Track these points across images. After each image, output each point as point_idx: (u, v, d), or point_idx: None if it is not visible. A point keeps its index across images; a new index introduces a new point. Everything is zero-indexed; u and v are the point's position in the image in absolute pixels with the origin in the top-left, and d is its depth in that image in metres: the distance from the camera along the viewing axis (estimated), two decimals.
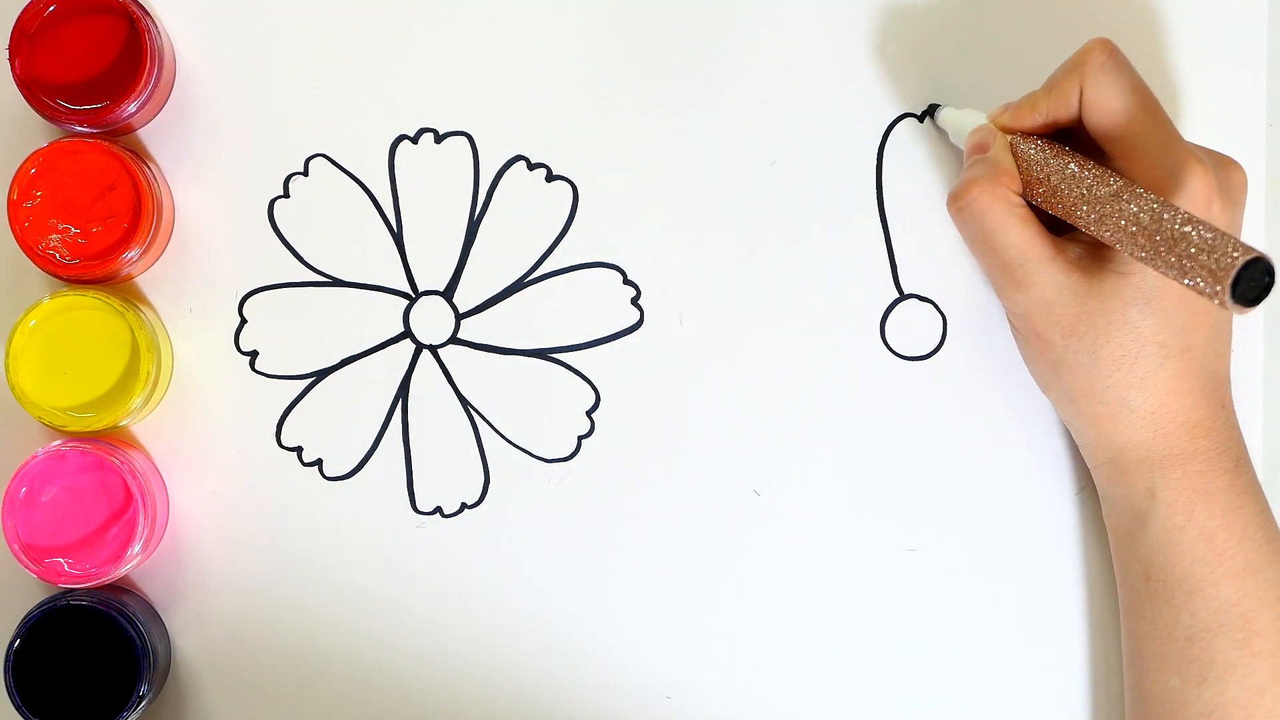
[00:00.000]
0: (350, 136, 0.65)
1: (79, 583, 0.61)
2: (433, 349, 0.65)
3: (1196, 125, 0.66)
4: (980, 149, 0.61)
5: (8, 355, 0.61)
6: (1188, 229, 0.51)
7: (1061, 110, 0.59)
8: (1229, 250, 0.50)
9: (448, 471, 0.65)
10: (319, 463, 0.65)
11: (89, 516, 0.61)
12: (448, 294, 0.65)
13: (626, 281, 0.65)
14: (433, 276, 0.65)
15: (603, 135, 0.65)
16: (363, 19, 0.65)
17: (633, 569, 0.65)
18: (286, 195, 0.65)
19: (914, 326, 0.66)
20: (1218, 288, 0.50)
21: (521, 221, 0.65)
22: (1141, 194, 0.54)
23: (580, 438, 0.65)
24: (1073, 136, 0.60)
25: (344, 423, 0.65)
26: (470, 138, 0.65)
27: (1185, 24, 0.66)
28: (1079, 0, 0.66)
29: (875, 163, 0.66)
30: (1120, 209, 0.54)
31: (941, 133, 0.65)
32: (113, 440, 0.63)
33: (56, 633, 0.61)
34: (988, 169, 0.59)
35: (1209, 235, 0.51)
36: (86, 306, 0.61)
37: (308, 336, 0.65)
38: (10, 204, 0.61)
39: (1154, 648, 0.59)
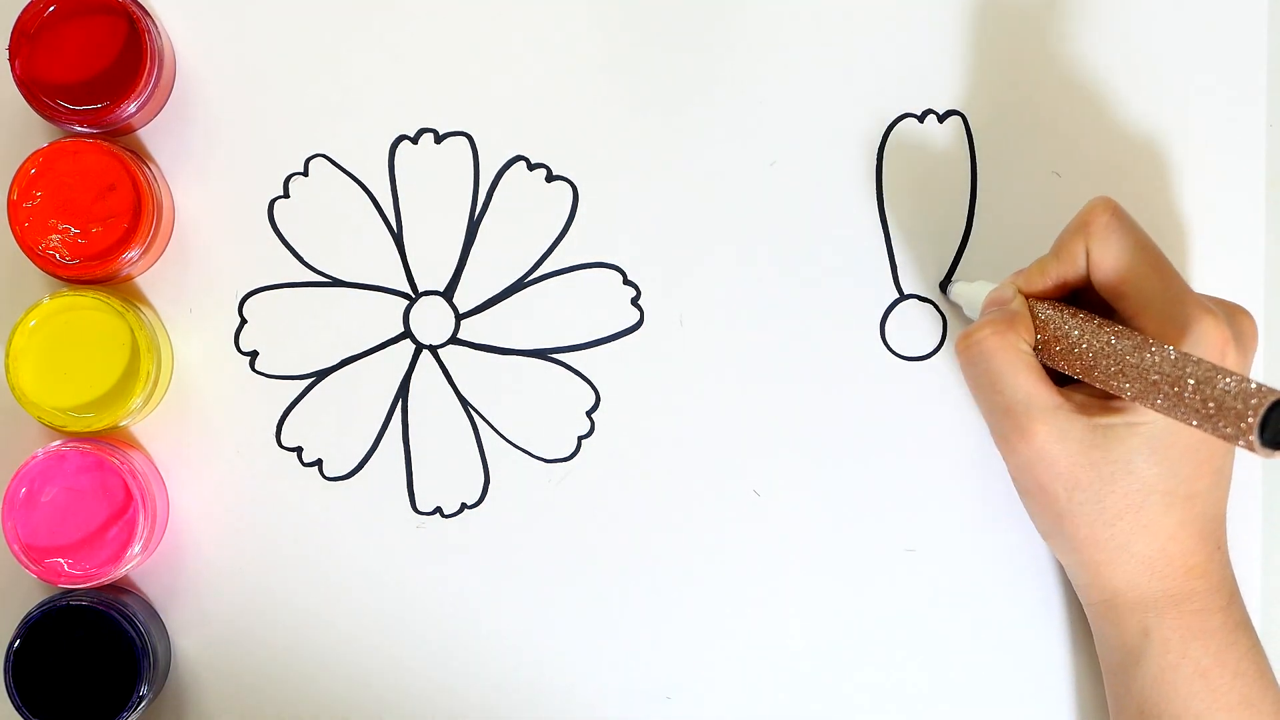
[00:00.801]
0: (350, 136, 0.65)
1: (79, 583, 0.61)
2: (433, 349, 0.65)
3: (1197, 125, 0.66)
4: (999, 303, 0.61)
5: (8, 355, 0.61)
6: (1213, 375, 0.52)
7: (1070, 271, 0.59)
8: (1256, 395, 0.50)
9: (448, 471, 0.65)
10: (319, 463, 0.65)
11: (89, 516, 0.61)
12: (448, 294, 0.65)
13: (626, 281, 0.65)
14: (433, 276, 0.65)
15: (603, 135, 0.65)
16: (363, 19, 0.65)
17: (632, 569, 0.65)
18: (286, 195, 0.65)
19: (914, 326, 0.66)
20: (1247, 432, 0.50)
21: (521, 221, 0.65)
22: (1162, 346, 0.55)
23: (580, 438, 0.65)
24: (1080, 297, 0.61)
25: (344, 423, 0.65)
26: (470, 138, 0.65)
27: (1185, 24, 0.66)
28: (1078, 3, 0.66)
29: (875, 163, 0.66)
30: (1142, 361, 0.55)
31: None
32: (113, 440, 0.63)
33: (56, 633, 0.61)
34: (1003, 315, 0.60)
35: (1232, 381, 0.51)
36: (86, 306, 0.61)
37: (308, 336, 0.65)
38: (10, 204, 0.61)
39: None
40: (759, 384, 0.65)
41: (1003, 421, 0.59)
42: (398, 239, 0.65)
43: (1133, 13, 0.66)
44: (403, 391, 0.65)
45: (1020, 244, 0.65)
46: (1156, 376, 0.54)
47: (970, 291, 0.64)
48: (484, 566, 0.65)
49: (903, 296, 0.66)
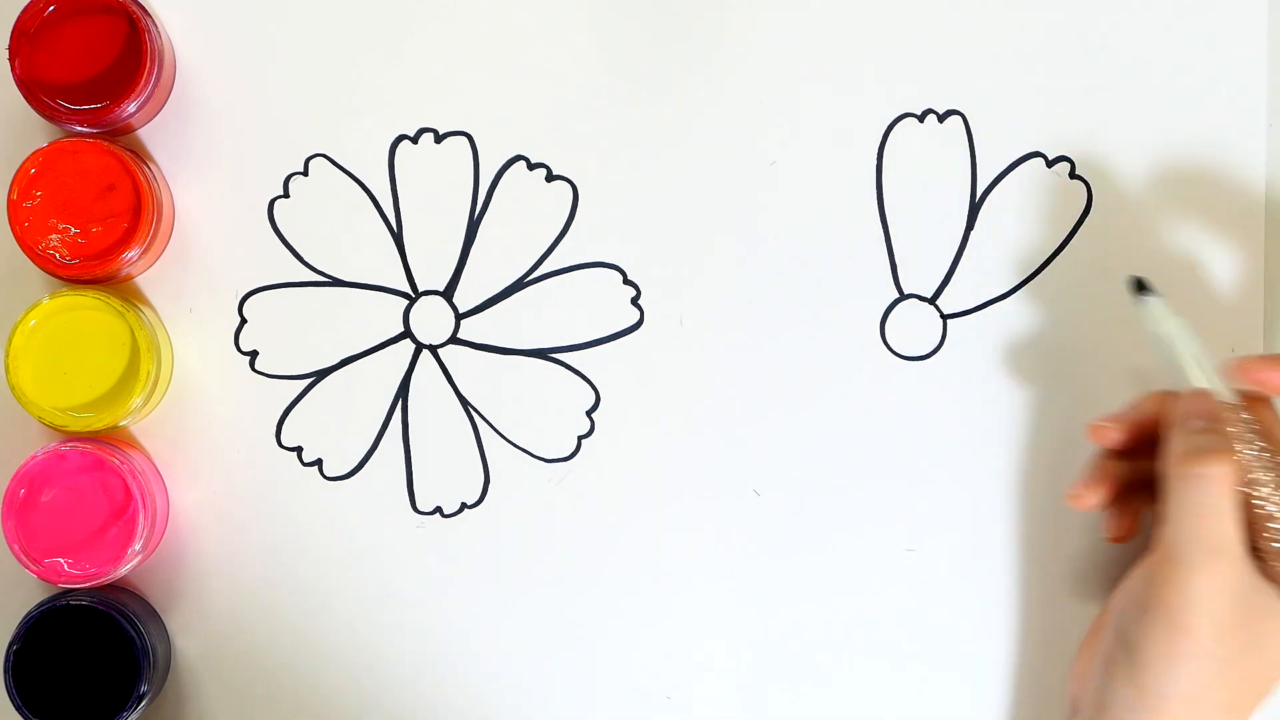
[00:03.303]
0: (350, 136, 0.65)
1: (79, 583, 0.61)
2: (433, 349, 0.65)
3: (1197, 125, 0.66)
4: (1212, 418, 0.59)
5: (8, 355, 0.61)
6: None
7: None
8: None
9: (448, 471, 0.65)
10: (319, 463, 0.65)
11: (89, 516, 0.61)
12: (448, 294, 0.65)
13: (626, 281, 0.66)
14: (433, 276, 0.65)
15: (603, 135, 0.65)
16: (363, 19, 0.65)
17: (632, 569, 0.65)
18: (286, 195, 0.65)
19: (914, 326, 0.66)
20: None
21: (521, 221, 0.65)
22: None
23: (580, 438, 0.65)
24: None
25: (344, 423, 0.65)
26: (470, 138, 0.65)
27: (1185, 24, 0.66)
28: (1078, 3, 0.66)
29: (875, 163, 0.66)
30: None
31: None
32: (113, 440, 0.63)
33: (56, 633, 0.61)
34: (1235, 453, 0.58)
35: None
36: (86, 306, 0.61)
37: (308, 336, 0.65)
38: (10, 204, 0.61)
39: None
40: (759, 384, 0.65)
41: (1188, 549, 0.57)
42: (398, 239, 0.65)
43: (1133, 13, 0.66)
44: (403, 391, 0.65)
45: (1020, 244, 0.65)
46: None
47: (1169, 328, 0.61)
48: (484, 566, 0.65)
49: (903, 296, 0.66)
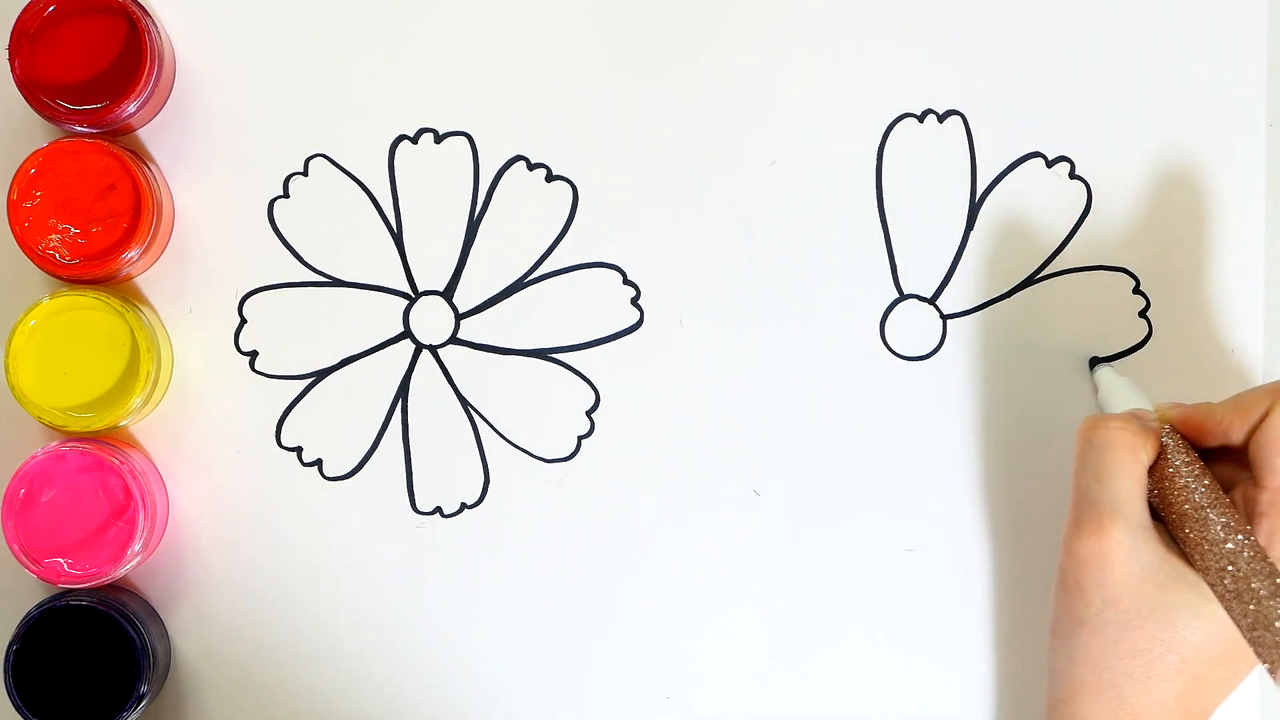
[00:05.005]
0: (350, 136, 0.65)
1: (79, 583, 0.61)
2: (433, 349, 0.65)
3: (1197, 125, 0.66)
4: (1139, 418, 0.60)
5: (8, 355, 0.61)
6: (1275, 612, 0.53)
7: (1238, 422, 0.58)
8: None
9: (448, 471, 0.65)
10: (319, 463, 0.65)
11: (89, 516, 0.61)
12: (448, 294, 0.65)
13: (626, 281, 0.66)
14: (433, 276, 0.65)
15: (603, 135, 0.65)
16: (363, 19, 0.65)
17: (632, 569, 0.65)
18: (286, 195, 0.65)
19: (914, 326, 0.66)
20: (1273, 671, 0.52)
21: (521, 221, 0.65)
22: (1266, 561, 0.55)
23: (580, 438, 0.65)
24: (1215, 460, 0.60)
25: (344, 423, 0.65)
26: (470, 138, 0.65)
27: (1186, 24, 0.66)
28: (1078, 3, 0.66)
29: (875, 163, 0.66)
30: (1222, 552, 0.55)
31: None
32: (113, 440, 0.63)
33: (56, 633, 0.61)
34: (1140, 423, 0.59)
35: None
36: (86, 306, 0.61)
37: (308, 336, 0.65)
38: (10, 204, 0.61)
39: None
40: (759, 384, 0.65)
41: (1086, 510, 0.58)
42: (398, 239, 0.65)
43: (1133, 13, 0.66)
44: (403, 391, 0.65)
45: (1020, 244, 0.65)
46: (1228, 580, 0.55)
47: (1115, 386, 0.63)
48: (484, 566, 0.65)
49: (903, 296, 0.66)
